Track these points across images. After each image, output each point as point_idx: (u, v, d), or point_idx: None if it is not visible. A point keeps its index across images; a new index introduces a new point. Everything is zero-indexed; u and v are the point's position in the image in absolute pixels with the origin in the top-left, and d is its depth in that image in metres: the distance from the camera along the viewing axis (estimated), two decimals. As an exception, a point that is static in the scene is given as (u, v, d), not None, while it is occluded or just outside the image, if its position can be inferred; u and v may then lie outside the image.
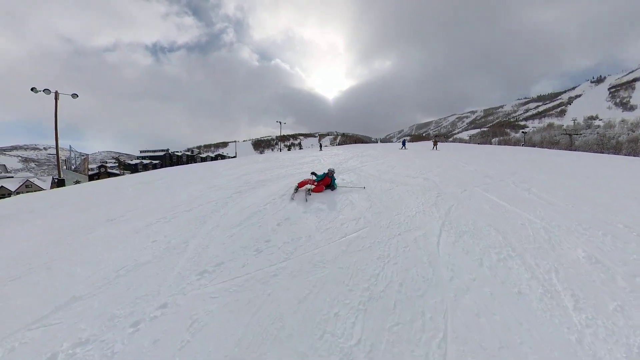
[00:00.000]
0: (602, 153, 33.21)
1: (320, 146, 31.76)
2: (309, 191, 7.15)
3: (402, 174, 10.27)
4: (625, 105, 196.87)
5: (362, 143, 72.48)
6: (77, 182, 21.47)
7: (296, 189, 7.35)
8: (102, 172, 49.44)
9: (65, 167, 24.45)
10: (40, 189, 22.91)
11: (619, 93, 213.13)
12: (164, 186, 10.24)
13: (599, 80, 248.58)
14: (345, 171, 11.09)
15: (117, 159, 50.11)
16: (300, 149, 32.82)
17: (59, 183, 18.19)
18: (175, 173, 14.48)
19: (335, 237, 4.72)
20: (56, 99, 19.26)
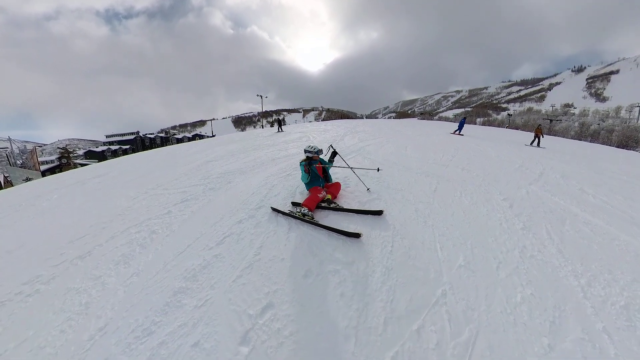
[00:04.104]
0: (580, 140, 33.60)
1: (280, 124, 20.19)
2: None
3: (427, 159, 8.01)
4: (599, 97, 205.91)
5: (347, 119, 69.35)
6: (28, 179, 17.47)
7: (308, 216, 3.92)
8: (63, 164, 39.57)
9: (9, 163, 19.91)
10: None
11: (595, 84, 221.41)
12: (97, 189, 6.92)
13: (580, 70, 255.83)
14: (350, 153, 8.64)
15: (64, 148, 40.78)
16: (280, 129, 19.81)
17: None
18: (128, 163, 10.56)
19: None
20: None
